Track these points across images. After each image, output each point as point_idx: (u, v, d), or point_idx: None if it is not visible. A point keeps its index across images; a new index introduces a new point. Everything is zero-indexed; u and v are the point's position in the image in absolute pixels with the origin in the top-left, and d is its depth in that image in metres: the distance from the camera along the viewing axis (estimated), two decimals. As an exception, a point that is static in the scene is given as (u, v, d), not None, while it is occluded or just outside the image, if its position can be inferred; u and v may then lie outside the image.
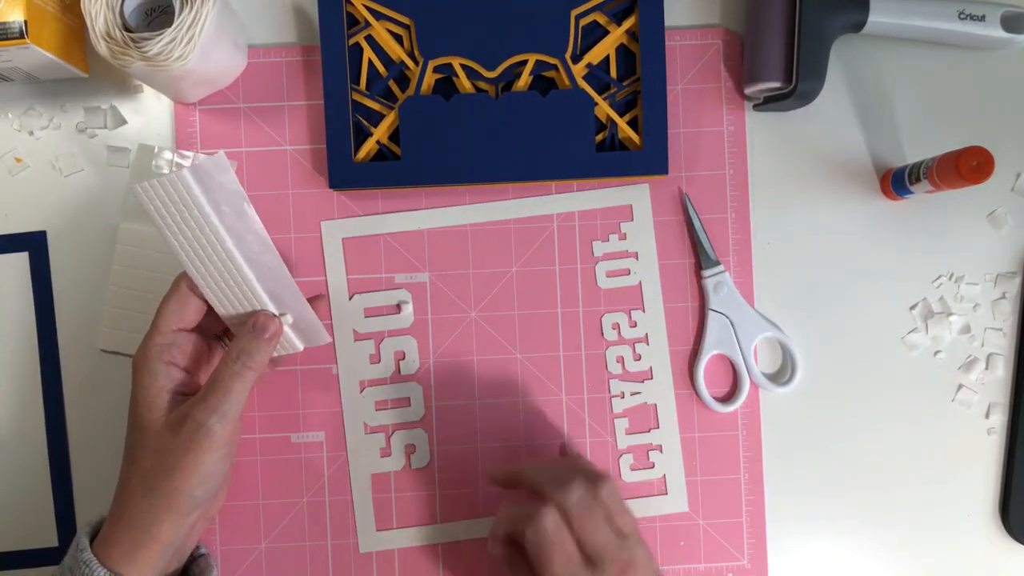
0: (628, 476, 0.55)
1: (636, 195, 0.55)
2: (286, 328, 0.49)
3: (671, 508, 0.55)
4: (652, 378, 0.55)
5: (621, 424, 0.55)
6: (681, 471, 0.55)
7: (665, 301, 0.55)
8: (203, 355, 0.49)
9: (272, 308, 0.48)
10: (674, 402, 0.55)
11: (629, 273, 0.55)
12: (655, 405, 0.55)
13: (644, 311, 0.55)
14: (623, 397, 0.55)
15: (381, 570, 0.54)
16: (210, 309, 0.48)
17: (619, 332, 0.55)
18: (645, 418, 0.55)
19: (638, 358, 0.55)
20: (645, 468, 0.55)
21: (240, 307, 0.48)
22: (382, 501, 0.54)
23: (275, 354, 0.50)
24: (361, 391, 0.55)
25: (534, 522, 0.44)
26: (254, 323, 0.47)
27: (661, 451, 0.55)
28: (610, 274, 0.55)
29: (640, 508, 0.54)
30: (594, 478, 0.46)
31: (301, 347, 0.51)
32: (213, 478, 0.46)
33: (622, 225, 0.55)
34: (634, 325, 0.55)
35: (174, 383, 0.47)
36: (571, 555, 0.44)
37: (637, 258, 0.55)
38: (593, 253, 0.55)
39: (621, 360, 0.55)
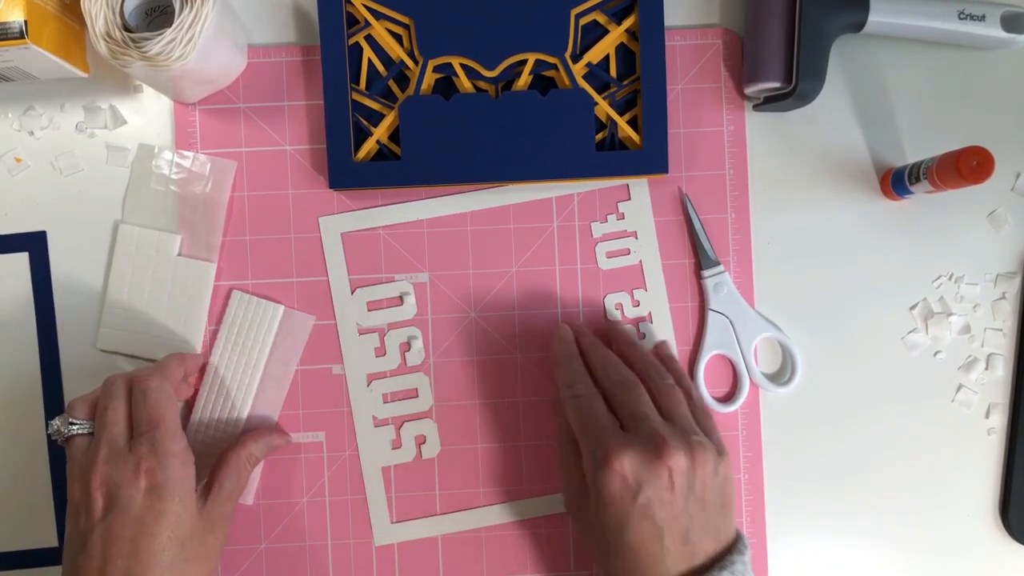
0: None
1: None
2: None
3: None
4: None
5: None
6: None
7: (667, 287, 0.55)
8: None
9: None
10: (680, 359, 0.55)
11: (629, 253, 0.55)
12: None
13: (646, 290, 0.55)
14: None
15: (381, 566, 0.54)
16: None
17: (622, 312, 0.55)
18: None
19: (642, 337, 0.55)
20: None
21: (214, 422, 0.53)
22: (395, 493, 0.54)
23: None
24: (368, 385, 0.55)
25: (569, 394, 0.48)
26: (271, 439, 0.52)
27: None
28: (610, 255, 0.55)
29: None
30: (650, 371, 0.49)
31: None
32: None
33: (620, 205, 0.55)
34: (637, 304, 0.55)
35: (195, 483, 0.48)
36: (600, 417, 0.46)
37: (636, 237, 0.55)
38: (592, 234, 0.55)
39: None
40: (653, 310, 0.55)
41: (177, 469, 0.46)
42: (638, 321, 0.55)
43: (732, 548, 0.45)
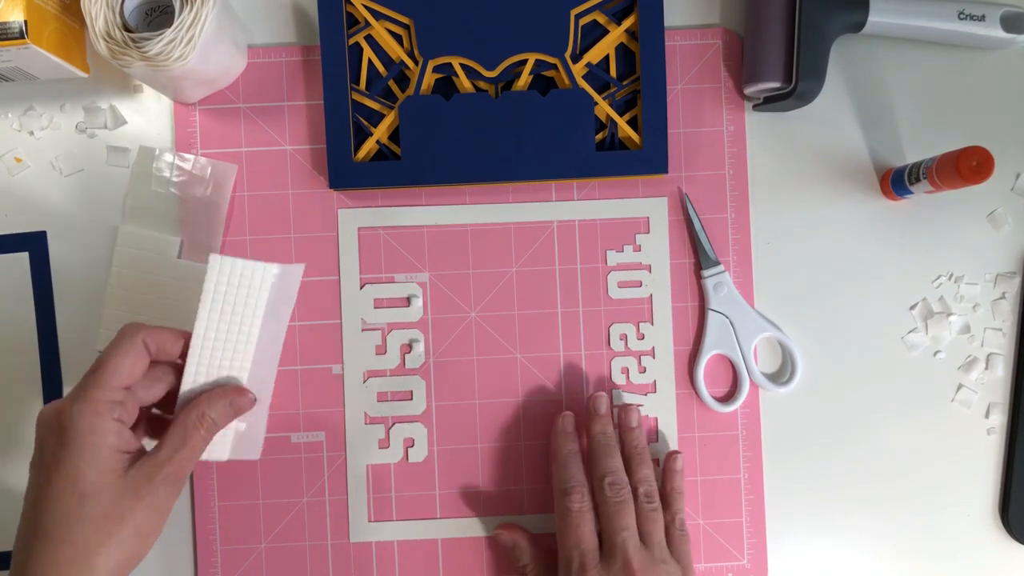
0: None
1: (654, 208, 0.55)
2: (229, 433, 0.48)
3: None
4: (655, 392, 0.55)
5: None
6: None
7: (671, 310, 0.55)
8: (136, 416, 0.45)
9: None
10: (675, 417, 0.55)
11: (641, 285, 0.55)
12: (656, 419, 0.55)
13: (653, 324, 0.55)
14: None
15: (381, 567, 0.54)
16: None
17: (626, 343, 0.55)
18: (645, 431, 0.55)
19: (643, 371, 0.55)
20: None
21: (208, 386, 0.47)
22: (376, 492, 0.54)
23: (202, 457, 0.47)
24: (364, 381, 0.55)
25: (561, 501, 0.50)
26: (232, 400, 0.46)
27: (659, 465, 0.55)
28: (622, 284, 0.55)
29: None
30: (639, 475, 0.51)
31: (227, 457, 0.49)
32: (158, 536, 0.44)
33: (638, 237, 0.55)
34: (642, 337, 0.55)
35: (124, 444, 0.43)
36: (584, 540, 0.49)
37: (650, 271, 0.55)
38: (607, 262, 0.55)
39: (626, 371, 0.55)
40: (656, 345, 0.55)
41: (83, 418, 0.42)
42: (640, 355, 0.55)
43: None
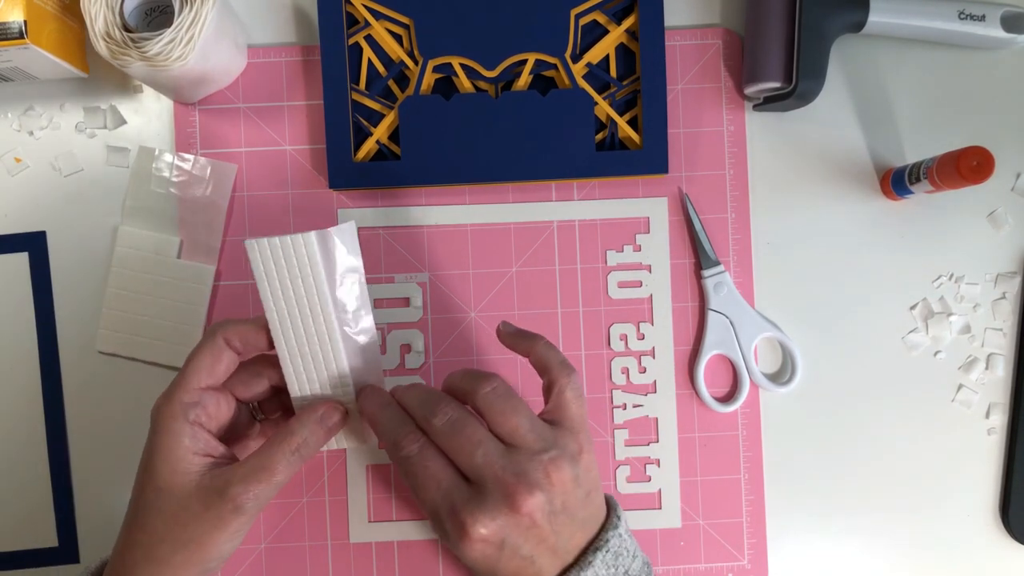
0: (624, 488, 0.55)
1: (654, 208, 0.55)
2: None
3: (663, 523, 0.55)
4: (656, 392, 0.55)
5: (621, 435, 0.55)
6: (677, 487, 0.55)
7: (670, 288, 0.55)
8: (229, 416, 0.45)
9: (353, 393, 0.45)
10: (675, 417, 0.55)
11: (641, 285, 0.55)
12: (656, 419, 0.55)
13: (653, 324, 0.55)
14: (625, 408, 0.55)
15: (381, 567, 0.54)
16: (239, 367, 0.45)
17: (626, 343, 0.55)
18: (645, 431, 0.55)
19: (643, 371, 0.55)
20: (641, 481, 0.55)
21: (317, 387, 0.45)
22: (377, 492, 0.54)
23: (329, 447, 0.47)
24: None
25: (398, 457, 0.42)
26: (322, 415, 0.44)
27: (659, 466, 0.55)
28: (622, 285, 0.55)
29: (632, 522, 0.54)
30: (473, 383, 0.42)
31: (348, 445, 0.47)
32: (224, 558, 0.43)
33: (638, 237, 0.55)
34: (642, 338, 0.55)
35: (200, 446, 0.42)
36: (440, 481, 0.41)
37: (650, 271, 0.55)
38: (607, 262, 0.55)
39: (626, 371, 0.55)
40: (656, 345, 0.55)
41: (160, 417, 0.42)
42: (640, 355, 0.55)
43: (605, 526, 0.43)
